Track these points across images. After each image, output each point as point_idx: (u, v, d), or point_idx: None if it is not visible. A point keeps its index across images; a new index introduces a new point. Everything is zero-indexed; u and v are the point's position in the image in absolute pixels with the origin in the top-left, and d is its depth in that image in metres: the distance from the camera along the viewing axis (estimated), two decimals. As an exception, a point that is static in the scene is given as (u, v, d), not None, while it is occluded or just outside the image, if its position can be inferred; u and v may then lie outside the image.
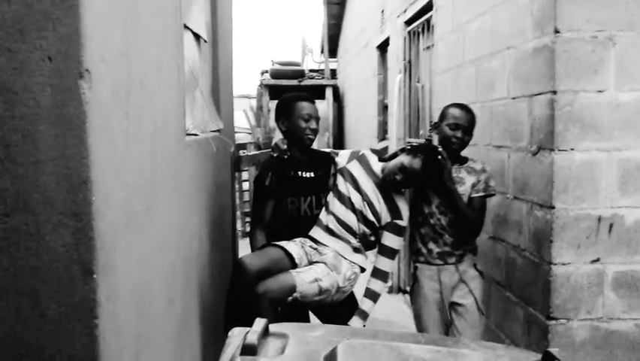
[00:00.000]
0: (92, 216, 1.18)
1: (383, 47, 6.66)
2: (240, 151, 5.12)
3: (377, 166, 2.78)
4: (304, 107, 2.76)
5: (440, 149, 2.66)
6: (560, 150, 2.46)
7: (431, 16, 4.41)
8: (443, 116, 2.76)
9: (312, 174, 2.77)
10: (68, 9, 1.18)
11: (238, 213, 7.67)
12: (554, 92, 2.44)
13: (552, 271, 2.51)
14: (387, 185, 2.69)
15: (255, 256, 2.55)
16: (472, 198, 2.70)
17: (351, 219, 2.69)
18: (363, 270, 2.76)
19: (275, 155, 2.80)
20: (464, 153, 2.80)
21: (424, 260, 2.77)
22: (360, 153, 2.86)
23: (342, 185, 2.76)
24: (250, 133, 9.27)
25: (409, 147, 2.71)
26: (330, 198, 2.76)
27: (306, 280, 2.47)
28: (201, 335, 2.46)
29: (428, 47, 4.69)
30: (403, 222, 2.73)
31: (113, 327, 1.27)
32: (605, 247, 2.52)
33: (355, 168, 2.79)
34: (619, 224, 2.50)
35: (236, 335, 1.10)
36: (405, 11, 5.23)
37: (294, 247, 2.62)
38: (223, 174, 3.36)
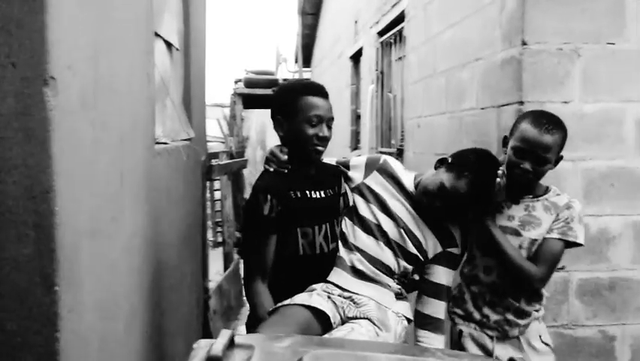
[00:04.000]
0: (54, 227, 1.15)
1: (356, 58, 6.71)
2: (212, 160, 5.09)
3: (407, 177, 2.06)
4: (313, 104, 1.89)
5: (501, 171, 1.91)
6: (527, 160, 2.51)
7: (403, 27, 4.46)
8: (513, 129, 1.97)
9: (322, 194, 1.99)
10: (34, 15, 1.16)
11: (209, 222, 7.61)
12: (521, 103, 2.49)
13: (520, 279, 2.55)
14: (422, 208, 1.98)
15: (274, 325, 1.72)
16: (544, 240, 1.94)
17: (386, 255, 1.95)
18: (409, 321, 1.99)
19: (270, 169, 1.96)
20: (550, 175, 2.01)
21: (475, 327, 2.06)
22: (382, 161, 2.09)
23: (365, 208, 2.01)
24: (223, 142, 9.22)
25: (451, 159, 1.95)
26: (348, 227, 2.01)
27: None
28: (170, 346, 2.42)
29: (400, 58, 4.75)
30: (459, 250, 2.03)
31: (75, 340, 1.24)
32: (570, 254, 2.57)
33: (377, 184, 2.04)
34: (584, 232, 2.55)
35: (202, 347, 1.09)
36: (377, 22, 5.29)
37: (321, 300, 1.83)
38: (194, 183, 3.33)
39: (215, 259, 5.30)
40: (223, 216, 5.51)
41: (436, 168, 1.96)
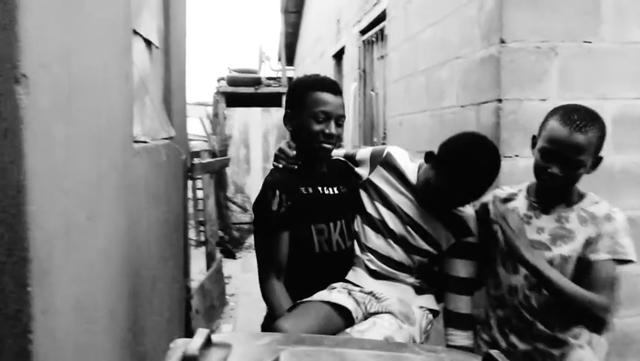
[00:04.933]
0: (26, 226, 1.14)
1: (339, 56, 6.72)
2: (194, 159, 5.06)
3: (410, 168, 1.95)
4: (321, 100, 1.82)
5: (499, 195, 1.80)
6: (505, 157, 2.53)
7: (385, 25, 4.48)
8: (541, 128, 1.74)
9: (335, 190, 1.93)
10: (5, 12, 1.14)
11: (192, 222, 7.57)
12: (500, 101, 2.51)
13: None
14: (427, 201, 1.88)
15: (294, 318, 1.69)
16: (592, 263, 1.61)
17: (397, 251, 1.88)
18: (435, 314, 1.93)
19: (279, 166, 1.93)
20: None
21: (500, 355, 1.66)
22: (385, 154, 1.98)
23: (370, 205, 1.94)
24: (206, 141, 9.17)
25: (436, 152, 1.82)
26: (359, 226, 1.95)
27: None
28: (151, 347, 2.40)
29: (382, 56, 4.76)
30: (475, 238, 1.90)
31: (49, 341, 1.23)
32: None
33: (380, 178, 1.96)
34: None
35: (179, 346, 1.08)
36: (360, 21, 5.30)
37: (341, 296, 1.79)
38: (175, 182, 3.31)
39: (198, 259, 5.27)
40: (205, 216, 5.48)
41: (425, 162, 1.87)
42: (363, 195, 1.97)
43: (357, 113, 5.43)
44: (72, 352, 1.39)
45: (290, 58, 11.28)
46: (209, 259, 5.24)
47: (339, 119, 1.86)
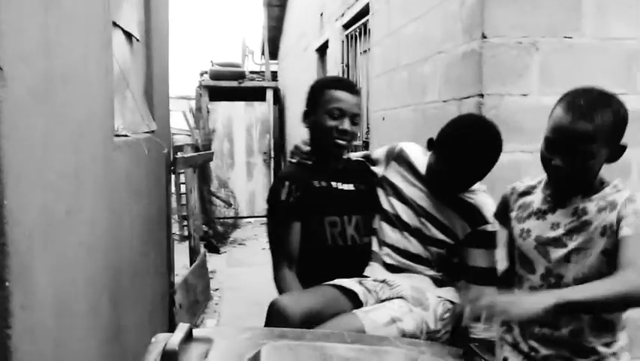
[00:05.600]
0: (4, 221, 1.12)
1: (322, 50, 6.71)
2: (177, 153, 5.02)
3: (421, 160, 1.95)
4: (336, 97, 1.89)
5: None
6: (487, 152, 2.55)
7: (368, 20, 4.48)
8: (550, 115, 1.52)
9: (352, 187, 1.98)
10: (-20, 3, 1.12)
11: (175, 216, 7.52)
12: (481, 96, 2.53)
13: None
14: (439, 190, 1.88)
15: (297, 295, 1.75)
16: (621, 242, 1.37)
17: (413, 244, 1.88)
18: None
19: (294, 161, 2.01)
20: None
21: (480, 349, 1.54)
22: (397, 150, 2.02)
23: (385, 201, 1.96)
24: (190, 135, 9.11)
25: (435, 138, 1.83)
26: (377, 222, 1.98)
27: (380, 321, 1.66)
28: (133, 342, 2.39)
29: (365, 51, 4.76)
30: (493, 225, 1.83)
31: (29, 337, 1.21)
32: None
33: (395, 174, 1.98)
34: (543, 222, 2.60)
35: (160, 341, 1.08)
36: (342, 15, 5.29)
37: (350, 282, 1.81)
38: (157, 177, 3.28)
39: (182, 253, 5.24)
40: (188, 210, 5.45)
41: (427, 149, 1.86)
42: (380, 192, 1.99)
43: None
44: (52, 347, 1.38)
45: (274, 52, 11.23)
46: (193, 253, 5.21)
47: (355, 118, 1.91)
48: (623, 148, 1.45)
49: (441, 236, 1.86)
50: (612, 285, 1.26)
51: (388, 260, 1.89)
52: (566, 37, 2.57)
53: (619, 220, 1.40)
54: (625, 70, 2.61)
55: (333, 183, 1.95)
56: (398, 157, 2.00)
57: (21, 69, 1.23)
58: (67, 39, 1.58)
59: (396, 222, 1.91)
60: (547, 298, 1.26)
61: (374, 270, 1.90)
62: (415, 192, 1.91)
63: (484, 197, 1.88)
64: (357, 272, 1.89)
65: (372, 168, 2.07)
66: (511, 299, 1.30)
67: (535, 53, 2.57)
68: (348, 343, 1.11)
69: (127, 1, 2.72)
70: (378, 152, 2.11)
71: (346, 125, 1.88)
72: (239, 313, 4.76)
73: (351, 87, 1.95)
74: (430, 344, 1.21)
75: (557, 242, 1.50)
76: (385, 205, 1.95)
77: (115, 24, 2.42)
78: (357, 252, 1.92)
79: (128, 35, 2.76)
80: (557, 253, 1.49)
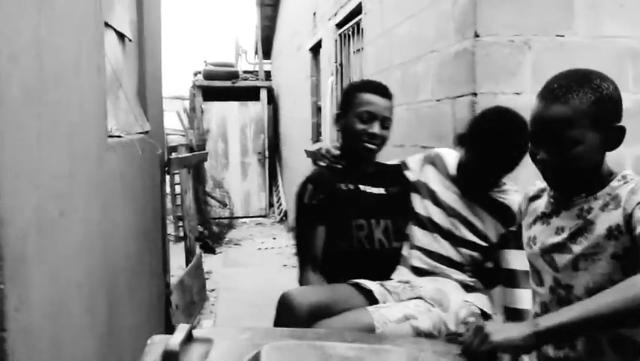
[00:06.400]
0: (-3, 223, 1.12)
1: (316, 50, 6.71)
2: (172, 153, 5.01)
3: (454, 163, 1.95)
4: (367, 100, 1.89)
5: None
6: (481, 150, 2.56)
7: (361, 19, 4.48)
8: None
9: (383, 191, 1.97)
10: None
11: (170, 217, 7.50)
12: (475, 94, 2.54)
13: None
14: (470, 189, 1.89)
15: (308, 289, 1.77)
16: (635, 239, 1.16)
17: (444, 247, 1.85)
18: (486, 317, 1.80)
19: (322, 164, 2.00)
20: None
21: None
22: (434, 154, 2.04)
23: (419, 205, 1.93)
24: (184, 135, 9.09)
25: (462, 134, 1.86)
26: (409, 227, 1.95)
27: (391, 317, 1.63)
28: (129, 343, 2.38)
29: (359, 50, 4.77)
30: None
31: (24, 339, 1.21)
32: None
33: (430, 177, 1.96)
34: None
35: (156, 343, 1.07)
36: (336, 14, 5.29)
37: (370, 282, 1.80)
38: (151, 177, 3.28)
39: (177, 254, 5.22)
40: (183, 211, 5.44)
41: (456, 145, 1.88)
42: (414, 196, 1.97)
43: (335, 107, 5.43)
44: (48, 349, 1.37)
45: (267, 51, 11.22)
46: (189, 254, 5.19)
47: (385, 121, 1.91)
48: (620, 130, 1.27)
49: (471, 237, 1.84)
50: (615, 295, 1.06)
51: (417, 263, 1.87)
52: (558, 35, 2.58)
53: (627, 218, 1.19)
54: (617, 68, 2.62)
55: (362, 187, 1.93)
56: (434, 162, 2.00)
57: (12, 70, 1.22)
58: (60, 39, 1.57)
59: (428, 224, 1.89)
60: (524, 328, 1.11)
61: (401, 273, 1.88)
62: (448, 194, 1.90)
63: (517, 196, 1.81)
64: (384, 276, 1.86)
65: (408, 173, 2.04)
66: (498, 327, 1.14)
67: (527, 52, 2.57)
68: (348, 342, 1.11)
69: (119, 1, 2.71)
70: (413, 159, 2.09)
71: (376, 128, 1.88)
72: (235, 313, 4.76)
73: (383, 90, 1.95)
74: (433, 342, 1.21)
75: (562, 248, 1.33)
76: (419, 208, 1.93)
77: (107, 24, 2.41)
78: (385, 256, 1.90)
79: (121, 35, 2.76)
80: (563, 260, 1.32)
